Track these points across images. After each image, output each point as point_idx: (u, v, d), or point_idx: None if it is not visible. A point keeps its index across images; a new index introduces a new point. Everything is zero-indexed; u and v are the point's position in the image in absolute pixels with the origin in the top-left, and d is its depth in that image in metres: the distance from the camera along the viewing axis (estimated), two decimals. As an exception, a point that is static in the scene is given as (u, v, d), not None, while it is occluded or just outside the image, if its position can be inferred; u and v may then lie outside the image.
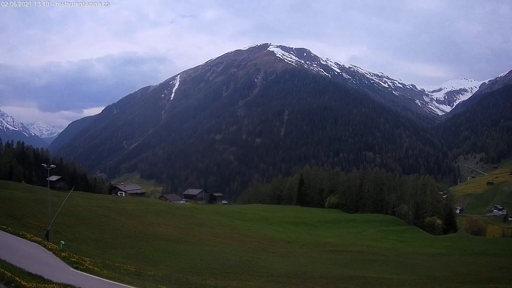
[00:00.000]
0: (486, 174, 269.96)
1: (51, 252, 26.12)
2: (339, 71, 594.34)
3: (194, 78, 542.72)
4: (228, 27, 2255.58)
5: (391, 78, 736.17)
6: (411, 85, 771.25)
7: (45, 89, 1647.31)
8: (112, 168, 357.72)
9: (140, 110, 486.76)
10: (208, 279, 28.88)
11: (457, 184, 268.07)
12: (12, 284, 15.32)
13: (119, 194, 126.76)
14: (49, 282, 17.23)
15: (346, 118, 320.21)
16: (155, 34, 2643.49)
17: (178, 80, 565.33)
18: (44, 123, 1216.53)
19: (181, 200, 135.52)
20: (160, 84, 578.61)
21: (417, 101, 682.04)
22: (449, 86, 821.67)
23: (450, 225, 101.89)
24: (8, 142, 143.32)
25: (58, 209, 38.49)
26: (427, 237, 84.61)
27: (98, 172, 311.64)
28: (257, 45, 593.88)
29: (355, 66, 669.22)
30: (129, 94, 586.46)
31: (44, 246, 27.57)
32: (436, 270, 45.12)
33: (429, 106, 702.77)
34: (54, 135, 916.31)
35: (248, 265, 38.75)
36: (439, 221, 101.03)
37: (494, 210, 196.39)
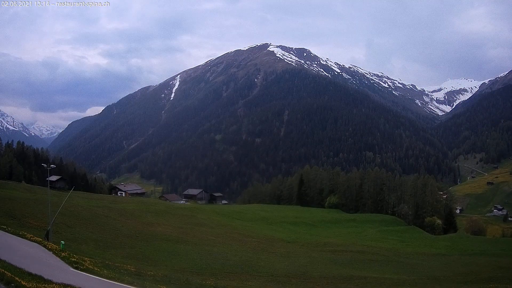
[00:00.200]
0: (486, 174, 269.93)
1: (51, 252, 26.13)
2: (339, 71, 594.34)
3: (194, 78, 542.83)
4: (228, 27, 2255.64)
5: (391, 78, 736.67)
6: (411, 85, 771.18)
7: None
8: (112, 168, 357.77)
9: (140, 110, 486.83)
10: (208, 279, 28.89)
11: (457, 184, 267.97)
12: (12, 284, 15.33)
13: (119, 194, 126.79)
14: (49, 282, 17.24)
15: (346, 118, 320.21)
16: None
17: (178, 80, 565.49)
18: (44, 123, 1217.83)
19: (181, 200, 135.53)
20: (160, 84, 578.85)
21: (417, 101, 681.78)
22: (449, 86, 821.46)
23: (450, 225, 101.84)
24: (8, 142, 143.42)
25: (58, 209, 38.50)
26: (427, 237, 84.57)
27: (98, 172, 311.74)
28: (257, 45, 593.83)
29: (355, 66, 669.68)
30: (129, 94, 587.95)
31: (44, 246, 27.58)
32: (436, 270, 45.12)
33: (429, 106, 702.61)
34: (54, 135, 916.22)
35: (248, 265, 38.76)
36: (439, 221, 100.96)
37: (494, 210, 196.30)
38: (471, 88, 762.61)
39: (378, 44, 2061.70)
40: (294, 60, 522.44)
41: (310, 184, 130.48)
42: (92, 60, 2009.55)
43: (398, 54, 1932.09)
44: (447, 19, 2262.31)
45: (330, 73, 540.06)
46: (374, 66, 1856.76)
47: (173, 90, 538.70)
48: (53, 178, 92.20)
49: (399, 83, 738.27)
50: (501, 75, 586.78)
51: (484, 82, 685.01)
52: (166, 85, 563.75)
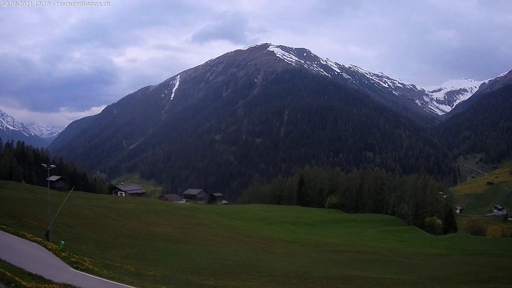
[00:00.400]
0: (486, 174, 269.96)
1: (51, 252, 26.15)
2: (339, 71, 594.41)
3: (194, 78, 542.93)
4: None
5: (391, 78, 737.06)
6: (411, 85, 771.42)
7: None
8: (112, 168, 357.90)
9: (140, 110, 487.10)
10: (208, 279, 28.89)
11: (457, 184, 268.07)
12: (12, 284, 15.34)
13: (119, 194, 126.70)
14: (49, 282, 17.27)
15: (346, 118, 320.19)
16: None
17: (178, 80, 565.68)
18: (44, 123, 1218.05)
19: (181, 200, 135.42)
20: (160, 84, 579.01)
21: (417, 101, 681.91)
22: (449, 86, 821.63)
23: (450, 225, 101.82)
24: (8, 142, 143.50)
25: (58, 209, 38.49)
26: (427, 237, 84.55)
27: (98, 172, 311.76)
28: (257, 45, 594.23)
29: (355, 66, 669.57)
30: (129, 94, 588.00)
31: (44, 246, 27.60)
32: (436, 270, 45.12)
33: (429, 106, 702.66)
34: (54, 135, 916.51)
35: (248, 265, 38.75)
36: (439, 221, 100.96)
37: (494, 210, 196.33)
38: (471, 88, 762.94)
39: (378, 44, 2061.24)
40: (294, 60, 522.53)
41: (310, 184, 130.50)
42: (93, 59, 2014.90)
43: (398, 54, 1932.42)
44: (447, 19, 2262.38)
45: (330, 73, 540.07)
46: (373, 66, 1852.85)
47: (173, 90, 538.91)
48: (53, 178, 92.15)
49: (399, 83, 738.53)
50: (501, 75, 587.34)
51: (484, 82, 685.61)
52: (166, 85, 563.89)
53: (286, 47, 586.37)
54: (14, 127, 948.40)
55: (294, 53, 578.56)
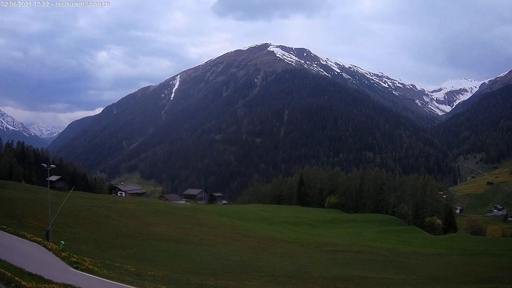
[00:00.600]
0: (486, 174, 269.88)
1: (51, 252, 26.16)
2: (339, 71, 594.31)
3: (194, 78, 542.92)
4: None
5: (391, 78, 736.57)
6: (411, 85, 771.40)
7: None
8: (112, 168, 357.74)
9: (140, 110, 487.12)
10: (208, 279, 28.88)
11: (457, 184, 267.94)
12: (12, 284, 15.34)
13: (119, 194, 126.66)
14: (49, 282, 17.26)
15: (346, 118, 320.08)
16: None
17: (178, 80, 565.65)
18: (44, 123, 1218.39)
19: (181, 200, 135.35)
20: (160, 84, 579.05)
21: (417, 101, 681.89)
22: (449, 86, 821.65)
23: (450, 225, 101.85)
24: (8, 142, 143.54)
25: (58, 209, 38.51)
26: (427, 237, 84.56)
27: (98, 172, 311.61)
28: (257, 45, 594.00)
29: (355, 66, 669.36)
30: (129, 94, 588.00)
31: (44, 246, 27.60)
32: (436, 270, 45.12)
33: (429, 106, 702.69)
34: (54, 135, 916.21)
35: (248, 265, 38.77)
36: (439, 221, 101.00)
37: (494, 210, 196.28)
38: (471, 88, 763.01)
39: (379, 44, 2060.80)
40: (294, 60, 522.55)
41: (310, 184, 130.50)
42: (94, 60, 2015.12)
43: (398, 54, 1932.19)
44: (447, 19, 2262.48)
45: (330, 73, 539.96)
46: (373, 66, 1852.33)
47: (173, 90, 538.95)
48: (53, 178, 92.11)
49: (399, 83, 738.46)
50: (501, 75, 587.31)
51: (484, 82, 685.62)
52: (166, 85, 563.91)
53: (286, 47, 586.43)
54: (14, 127, 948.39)
55: (294, 53, 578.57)
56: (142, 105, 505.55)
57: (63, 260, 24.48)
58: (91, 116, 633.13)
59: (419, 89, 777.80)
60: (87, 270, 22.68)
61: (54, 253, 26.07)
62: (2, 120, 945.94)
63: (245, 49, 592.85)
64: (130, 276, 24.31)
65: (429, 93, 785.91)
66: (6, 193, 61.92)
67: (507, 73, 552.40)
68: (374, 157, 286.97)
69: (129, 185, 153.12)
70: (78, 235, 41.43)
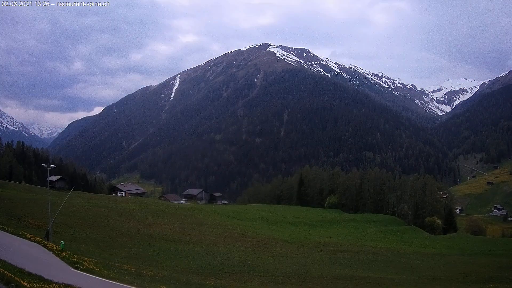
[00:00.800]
0: (486, 174, 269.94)
1: (51, 252, 26.17)
2: (339, 71, 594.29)
3: (194, 78, 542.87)
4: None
5: (391, 78, 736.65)
6: (411, 85, 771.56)
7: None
8: (112, 168, 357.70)
9: (140, 110, 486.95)
10: (208, 279, 28.88)
11: (457, 184, 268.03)
12: (12, 284, 15.35)
13: (119, 194, 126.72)
14: (49, 282, 17.27)
15: (346, 118, 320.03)
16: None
17: (178, 80, 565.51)
18: (44, 123, 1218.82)
19: (181, 200, 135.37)
20: (160, 84, 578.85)
21: (417, 101, 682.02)
22: (449, 86, 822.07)
23: (450, 225, 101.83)
24: (8, 142, 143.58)
25: (58, 209, 38.52)
26: (427, 237, 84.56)
27: (98, 172, 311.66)
28: (257, 45, 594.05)
29: (355, 66, 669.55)
30: (129, 94, 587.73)
31: (44, 246, 27.61)
32: (436, 270, 45.12)
33: (429, 106, 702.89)
34: (54, 135, 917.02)
35: (248, 265, 38.77)
36: (439, 221, 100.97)
37: (494, 210, 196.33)
38: (471, 88, 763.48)
39: (380, 44, 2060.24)
40: (294, 60, 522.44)
41: (310, 184, 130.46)
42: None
43: (398, 54, 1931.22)
44: (447, 19, 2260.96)
45: (330, 73, 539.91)
46: (374, 66, 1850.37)
47: (173, 90, 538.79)
48: (53, 178, 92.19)
49: (399, 83, 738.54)
50: (501, 75, 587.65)
51: (484, 82, 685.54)
52: (166, 85, 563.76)
53: (286, 47, 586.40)
54: (14, 127, 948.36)
55: (294, 53, 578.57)
56: (142, 105, 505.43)
57: (63, 260, 24.49)
58: (91, 116, 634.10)
59: (419, 89, 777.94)
60: (87, 270, 22.69)
61: (54, 253, 26.08)
62: (2, 120, 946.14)
63: (245, 49, 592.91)
64: (130, 276, 24.31)
65: (429, 93, 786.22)
66: (6, 193, 61.98)
67: (507, 73, 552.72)
68: (374, 157, 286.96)
69: (129, 185, 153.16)
70: (78, 235, 41.43)
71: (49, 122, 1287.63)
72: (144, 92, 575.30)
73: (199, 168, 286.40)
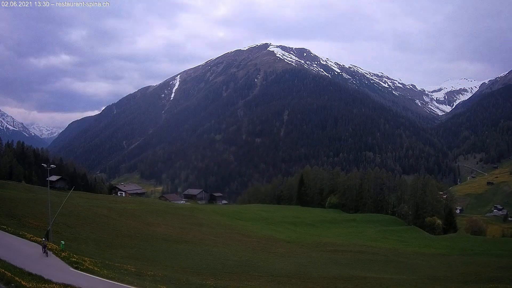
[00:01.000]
0: (486, 174, 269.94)
1: (51, 252, 26.17)
2: (339, 71, 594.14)
3: (194, 78, 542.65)
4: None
5: (391, 78, 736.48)
6: (411, 85, 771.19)
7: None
8: (112, 168, 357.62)
9: (140, 110, 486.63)
10: (208, 279, 28.88)
11: (457, 184, 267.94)
12: (12, 284, 15.36)
13: (119, 194, 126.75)
14: (49, 282, 17.29)
15: (346, 118, 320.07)
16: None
17: (178, 80, 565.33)
18: (44, 123, 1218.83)
19: (181, 200, 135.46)
20: (160, 84, 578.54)
21: (417, 101, 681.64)
22: (449, 86, 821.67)
23: (450, 225, 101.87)
24: (8, 142, 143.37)
25: (58, 209, 38.53)
26: (427, 237, 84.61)
27: (98, 172, 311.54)
28: (257, 45, 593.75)
29: (355, 66, 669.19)
30: (129, 94, 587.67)
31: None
32: (436, 270, 45.12)
33: (429, 106, 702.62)
34: (54, 135, 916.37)
35: (248, 265, 38.77)
36: (439, 221, 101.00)
37: (494, 210, 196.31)
38: (471, 88, 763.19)
39: (381, 43, 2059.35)
40: (294, 60, 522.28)
41: (310, 184, 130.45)
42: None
43: (398, 54, 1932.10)
44: (448, 19, 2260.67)
45: (330, 73, 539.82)
46: (374, 65, 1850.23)
47: (173, 90, 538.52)
48: (53, 178, 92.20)
49: (399, 83, 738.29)
50: (501, 75, 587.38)
51: (484, 82, 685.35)
52: (166, 85, 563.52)
53: (286, 47, 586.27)
54: (14, 127, 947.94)
55: (294, 53, 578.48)
56: (142, 105, 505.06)
57: (63, 260, 24.51)
58: (91, 116, 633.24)
59: (419, 89, 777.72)
60: (87, 270, 22.70)
61: (54, 253, 26.09)
62: (2, 120, 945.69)
63: (245, 49, 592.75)
64: (130, 276, 24.31)
65: (429, 93, 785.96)
66: (6, 193, 61.97)
67: (507, 73, 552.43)
68: (374, 157, 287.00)
69: (129, 185, 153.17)
70: (78, 235, 41.43)
71: (49, 122, 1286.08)
72: (144, 92, 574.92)
73: (199, 168, 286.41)
